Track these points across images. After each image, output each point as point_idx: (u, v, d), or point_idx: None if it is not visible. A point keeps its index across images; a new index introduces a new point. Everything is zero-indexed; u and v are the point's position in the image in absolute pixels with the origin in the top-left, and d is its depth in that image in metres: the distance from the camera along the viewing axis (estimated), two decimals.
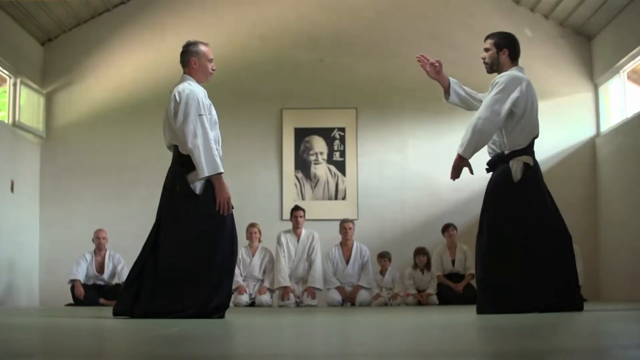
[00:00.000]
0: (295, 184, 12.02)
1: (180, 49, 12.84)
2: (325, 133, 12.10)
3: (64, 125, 12.10)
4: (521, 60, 12.42)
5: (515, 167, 5.63)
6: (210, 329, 4.11)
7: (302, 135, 12.07)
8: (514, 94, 5.60)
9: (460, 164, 5.66)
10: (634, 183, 10.74)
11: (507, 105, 5.57)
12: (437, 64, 6.02)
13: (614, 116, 11.71)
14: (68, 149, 12.02)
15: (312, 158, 12.04)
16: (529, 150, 5.69)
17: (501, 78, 5.69)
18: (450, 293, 10.63)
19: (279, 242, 10.72)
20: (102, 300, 10.54)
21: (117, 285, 10.69)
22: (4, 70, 11.18)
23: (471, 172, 5.72)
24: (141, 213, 11.67)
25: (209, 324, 4.63)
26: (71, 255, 10.92)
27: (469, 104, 6.09)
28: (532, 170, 5.66)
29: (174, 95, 5.66)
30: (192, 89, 5.67)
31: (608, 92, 11.91)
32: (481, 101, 5.95)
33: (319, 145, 12.09)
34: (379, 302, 10.62)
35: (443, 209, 11.85)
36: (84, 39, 12.19)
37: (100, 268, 10.74)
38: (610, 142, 11.55)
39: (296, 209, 10.81)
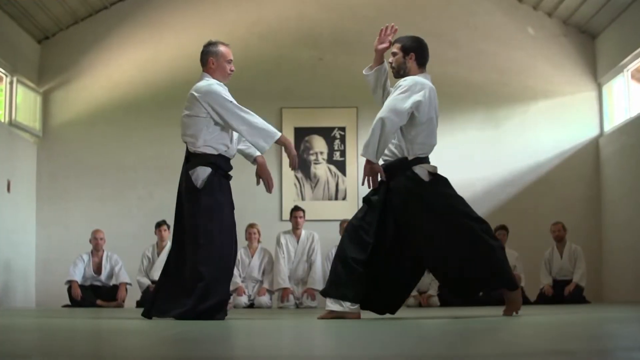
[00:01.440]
0: (295, 184, 11.92)
1: (179, 47, 12.76)
2: (326, 132, 12.01)
3: (61, 125, 12.02)
4: (524, 59, 12.47)
5: (421, 171, 5.50)
6: (209, 331, 4.06)
7: (302, 134, 11.97)
8: (417, 97, 5.47)
9: (373, 169, 5.46)
10: (638, 183, 10.67)
11: (407, 106, 5.42)
12: (387, 44, 5.85)
13: (617, 116, 11.64)
14: (65, 149, 11.94)
15: (312, 158, 11.95)
16: (428, 159, 5.61)
17: (404, 82, 5.57)
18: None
19: (278, 243, 10.63)
20: (99, 302, 10.45)
21: (115, 286, 10.60)
22: (0, 69, 11.08)
23: (383, 177, 5.55)
24: (139, 213, 11.64)
25: (207, 325, 4.57)
26: (68, 255, 10.84)
27: (377, 93, 5.94)
28: (438, 176, 5.57)
29: (193, 95, 5.70)
30: (210, 83, 5.73)
31: (612, 92, 11.84)
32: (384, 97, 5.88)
33: (319, 144, 11.99)
34: None
35: None
36: (81, 37, 12.11)
37: (98, 269, 10.64)
38: (614, 141, 11.47)
39: (296, 209, 10.73)
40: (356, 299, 5.51)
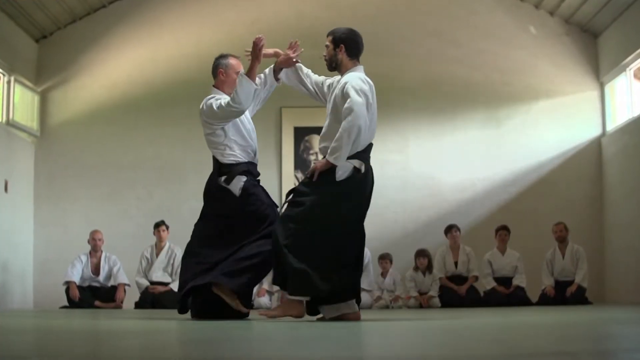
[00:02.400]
0: (295, 184, 11.83)
1: (177, 47, 12.66)
2: None
3: (59, 124, 11.96)
4: (525, 58, 12.42)
5: (346, 167, 5.40)
6: (207, 332, 4.04)
7: (301, 134, 11.91)
8: (369, 99, 5.44)
9: (329, 168, 5.40)
10: None
11: (367, 112, 5.42)
12: (293, 61, 5.96)
13: (620, 115, 11.59)
14: (63, 148, 11.88)
15: (312, 158, 11.89)
16: (363, 155, 5.49)
17: (352, 81, 5.46)
18: (453, 295, 10.49)
19: None
20: (97, 303, 10.38)
21: (113, 287, 10.53)
22: None
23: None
24: (138, 213, 11.58)
25: (206, 327, 4.55)
26: (66, 256, 10.78)
27: (302, 87, 5.96)
28: (361, 174, 5.42)
29: (200, 114, 5.88)
30: (202, 105, 5.85)
31: (614, 91, 11.78)
32: (313, 86, 5.88)
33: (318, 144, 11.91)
34: (380, 305, 10.47)
35: (445, 209, 11.72)
36: (79, 36, 12.06)
37: (96, 270, 10.58)
38: (616, 141, 11.41)
39: None
40: (353, 295, 5.43)
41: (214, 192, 5.86)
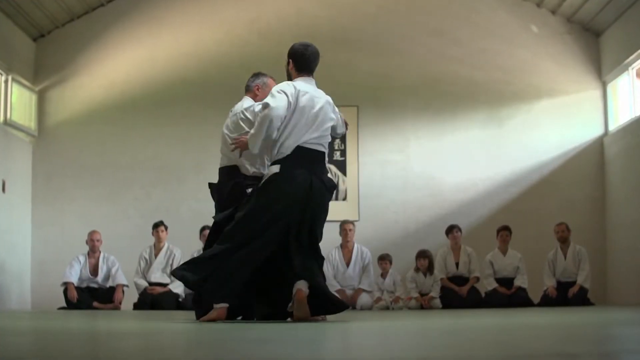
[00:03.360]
0: None
1: (176, 46, 12.61)
2: None
3: (57, 124, 11.92)
4: (527, 57, 12.36)
5: (269, 173, 5.51)
6: (207, 334, 4.02)
7: None
8: (289, 97, 5.50)
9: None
10: None
11: (287, 108, 5.51)
12: None
13: (622, 114, 11.56)
14: (61, 148, 11.84)
15: None
16: (289, 159, 5.47)
17: (278, 86, 5.61)
18: (454, 296, 10.43)
19: None
20: (95, 304, 10.36)
21: (111, 288, 10.49)
22: None
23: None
24: (136, 213, 11.55)
25: (206, 329, 4.52)
26: (64, 256, 10.75)
27: None
28: (280, 178, 5.41)
29: (242, 114, 5.92)
30: (251, 104, 5.96)
31: (616, 90, 11.75)
32: None
33: None
34: (380, 306, 10.40)
35: (446, 209, 11.68)
36: (77, 35, 12.03)
37: (94, 270, 10.53)
38: (619, 141, 11.37)
39: None
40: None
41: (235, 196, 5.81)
